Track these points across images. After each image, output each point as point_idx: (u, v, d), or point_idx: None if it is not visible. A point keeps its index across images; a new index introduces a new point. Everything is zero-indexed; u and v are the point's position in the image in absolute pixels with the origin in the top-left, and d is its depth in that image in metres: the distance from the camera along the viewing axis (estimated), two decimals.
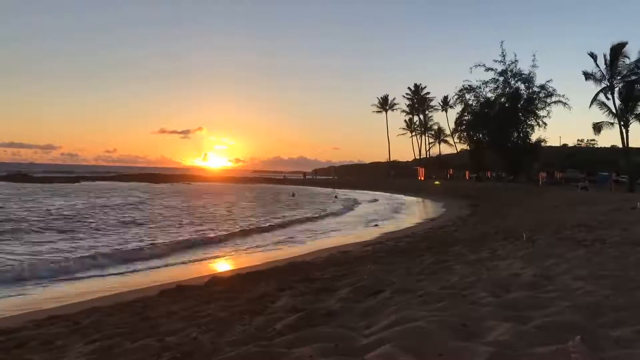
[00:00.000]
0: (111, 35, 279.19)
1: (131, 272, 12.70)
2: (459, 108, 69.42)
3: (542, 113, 59.13)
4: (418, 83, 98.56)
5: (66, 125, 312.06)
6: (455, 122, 72.74)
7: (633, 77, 39.96)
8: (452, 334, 3.98)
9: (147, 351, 4.61)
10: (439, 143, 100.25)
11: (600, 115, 42.51)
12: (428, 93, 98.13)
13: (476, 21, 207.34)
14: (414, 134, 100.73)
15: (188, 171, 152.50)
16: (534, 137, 60.92)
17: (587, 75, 41.80)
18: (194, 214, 29.71)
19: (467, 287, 6.21)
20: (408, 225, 24.00)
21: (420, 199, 49.30)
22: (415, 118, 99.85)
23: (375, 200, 48.12)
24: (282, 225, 24.57)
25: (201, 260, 14.86)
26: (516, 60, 58.97)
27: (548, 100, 58.20)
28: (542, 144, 61.51)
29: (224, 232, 20.87)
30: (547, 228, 14.59)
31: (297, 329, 4.78)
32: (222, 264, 14.52)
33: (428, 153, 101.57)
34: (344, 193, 59.10)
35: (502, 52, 58.70)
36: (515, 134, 60.97)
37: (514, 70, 59.32)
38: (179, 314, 6.87)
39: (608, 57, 40.55)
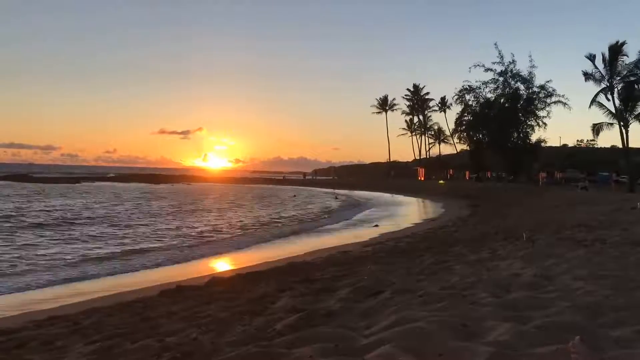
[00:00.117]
0: (111, 36, 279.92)
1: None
2: (458, 108, 69.43)
3: (542, 113, 59.16)
4: (417, 83, 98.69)
5: (66, 126, 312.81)
6: (455, 123, 72.71)
7: (632, 78, 39.92)
8: (452, 334, 3.98)
9: (147, 351, 4.61)
10: (439, 143, 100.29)
11: (600, 116, 42.52)
12: (428, 93, 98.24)
13: (476, 22, 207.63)
14: (413, 134, 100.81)
15: (188, 172, 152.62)
16: (533, 138, 61.02)
17: (587, 76, 41.78)
18: (195, 216, 29.69)
19: (467, 288, 6.21)
20: (408, 225, 23.99)
21: (420, 200, 49.27)
22: (415, 118, 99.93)
23: (375, 200, 48.10)
24: (282, 225, 24.60)
25: (201, 261, 14.88)
26: (514, 61, 59.09)
27: (548, 101, 58.27)
28: (542, 144, 61.55)
29: (224, 233, 20.88)
30: (547, 228, 14.59)
31: (297, 329, 4.78)
32: (222, 264, 14.52)
33: (428, 153, 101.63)
34: (344, 193, 59.07)
35: (499, 53, 58.88)
36: (515, 134, 61.01)
37: (513, 71, 59.46)
38: (179, 314, 6.87)
39: (607, 57, 40.52)
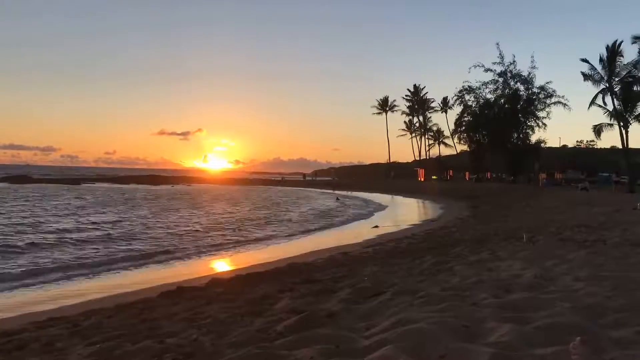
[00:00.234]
0: (111, 37, 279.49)
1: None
2: (458, 109, 69.67)
3: (541, 114, 59.40)
4: (418, 84, 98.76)
5: (66, 127, 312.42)
6: (455, 123, 72.91)
7: (630, 78, 39.91)
8: (453, 335, 3.98)
9: (147, 353, 4.61)
10: (439, 144, 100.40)
11: (600, 116, 42.56)
12: (427, 94, 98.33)
13: (476, 22, 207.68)
14: (413, 135, 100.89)
15: (188, 173, 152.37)
16: (533, 138, 61.17)
17: (586, 76, 41.78)
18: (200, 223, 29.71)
19: (468, 288, 6.21)
20: (408, 226, 23.98)
21: (420, 200, 49.27)
22: (415, 119, 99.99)
23: (375, 201, 48.10)
24: (280, 225, 24.61)
25: (201, 261, 14.88)
26: (514, 62, 59.22)
27: (548, 101, 58.43)
28: (542, 145, 61.72)
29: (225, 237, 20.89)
30: (548, 229, 14.59)
31: (298, 330, 4.78)
32: (222, 265, 14.52)
33: (428, 154, 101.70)
34: (344, 194, 59.07)
35: (500, 54, 59.02)
36: (515, 135, 61.12)
37: (513, 72, 59.57)
38: (179, 315, 6.86)
39: (605, 58, 40.53)
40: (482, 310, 4.84)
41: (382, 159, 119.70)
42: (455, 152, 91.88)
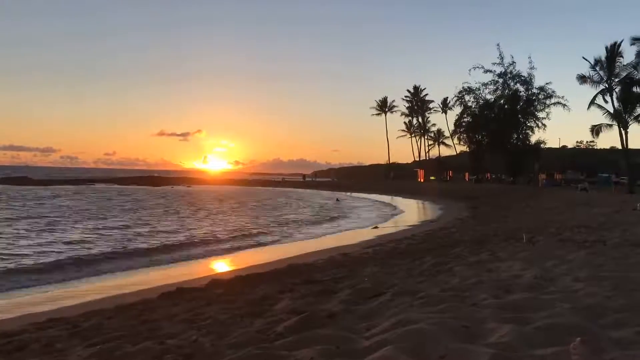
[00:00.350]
0: (110, 38, 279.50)
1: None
2: (458, 110, 69.75)
3: (541, 115, 59.46)
4: (418, 85, 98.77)
5: (65, 128, 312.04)
6: (455, 124, 72.91)
7: (628, 80, 39.88)
8: (453, 336, 3.98)
9: (147, 354, 4.61)
10: (438, 145, 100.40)
11: (599, 117, 42.55)
12: (427, 95, 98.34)
13: (476, 23, 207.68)
14: (413, 135, 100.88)
15: (188, 174, 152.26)
16: (533, 139, 61.22)
17: (583, 79, 41.70)
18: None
19: (468, 289, 6.22)
20: (408, 226, 23.99)
21: (419, 201, 49.26)
22: (415, 120, 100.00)
23: (375, 202, 48.11)
24: (281, 227, 24.63)
25: (201, 262, 14.88)
26: (514, 62, 59.30)
27: (547, 102, 58.49)
28: (542, 145, 61.77)
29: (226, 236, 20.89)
30: (547, 229, 14.60)
31: (298, 331, 4.78)
32: (222, 266, 14.51)
33: (427, 155, 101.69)
34: (344, 196, 59.06)
35: (500, 54, 59.11)
36: (515, 136, 61.18)
37: (513, 72, 59.64)
38: (179, 316, 6.86)
39: (603, 59, 40.52)
40: (482, 311, 4.85)
41: (382, 159, 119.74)
42: (455, 153, 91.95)
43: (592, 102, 41.66)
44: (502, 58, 59.12)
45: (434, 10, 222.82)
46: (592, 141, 72.24)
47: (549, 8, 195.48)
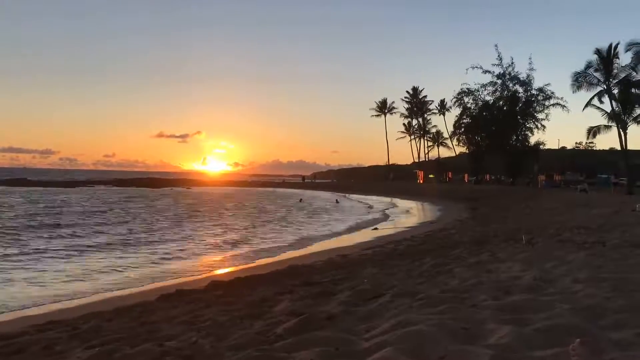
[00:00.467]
0: (110, 40, 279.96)
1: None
2: (457, 111, 69.79)
3: (540, 116, 59.53)
4: (417, 86, 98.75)
5: (65, 130, 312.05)
6: (454, 125, 72.92)
7: (626, 81, 39.88)
8: (453, 337, 3.98)
9: (147, 356, 4.60)
10: (438, 146, 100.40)
11: (599, 118, 42.62)
12: (426, 96, 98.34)
13: (476, 24, 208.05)
14: (412, 137, 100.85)
15: (187, 175, 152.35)
16: (532, 140, 61.30)
17: (579, 84, 41.60)
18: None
19: (467, 290, 6.22)
20: (407, 228, 23.99)
21: (419, 202, 49.27)
22: (414, 121, 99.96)
23: (374, 203, 48.11)
24: (279, 227, 24.62)
25: (200, 264, 14.87)
26: (513, 63, 59.41)
27: (546, 103, 58.57)
28: (541, 146, 61.83)
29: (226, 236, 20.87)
30: (547, 230, 14.60)
31: (297, 333, 4.78)
32: (222, 268, 14.49)
33: (427, 156, 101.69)
34: (343, 197, 59.04)
35: (499, 55, 59.21)
36: (514, 137, 61.25)
37: (512, 73, 59.73)
38: (178, 318, 6.85)
39: (599, 61, 40.50)
40: (482, 312, 4.85)
41: (382, 161, 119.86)
42: (454, 154, 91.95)
43: (588, 103, 41.67)
44: (500, 59, 59.29)
45: (434, 11, 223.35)
46: (592, 142, 72.26)
47: (549, 9, 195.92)
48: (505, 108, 61.34)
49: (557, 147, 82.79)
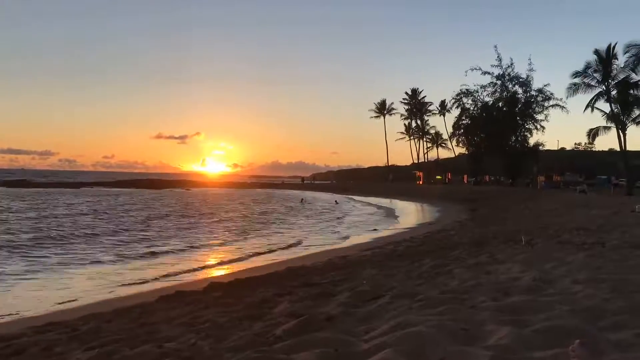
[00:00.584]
0: (110, 42, 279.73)
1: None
2: (456, 112, 69.83)
3: (540, 117, 59.57)
4: (416, 87, 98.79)
5: (64, 132, 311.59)
6: (453, 126, 72.92)
7: (625, 82, 39.90)
8: (452, 338, 3.98)
9: (146, 357, 4.60)
10: (437, 147, 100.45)
11: (598, 119, 42.64)
12: (425, 97, 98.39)
13: (475, 26, 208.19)
14: (412, 138, 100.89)
15: (186, 177, 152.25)
16: (531, 141, 61.33)
17: (575, 87, 41.65)
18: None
19: (467, 291, 6.22)
20: (407, 229, 23.98)
21: (418, 204, 49.29)
22: (414, 122, 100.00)
23: (373, 205, 48.12)
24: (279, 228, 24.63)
25: (199, 266, 14.87)
26: (512, 64, 59.46)
27: (546, 104, 58.60)
28: (540, 147, 61.88)
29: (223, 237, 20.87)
30: (546, 232, 14.61)
31: (297, 334, 4.78)
32: (221, 269, 14.48)
33: (426, 157, 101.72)
34: (342, 198, 59.05)
35: (498, 56, 59.26)
36: (513, 138, 61.28)
37: (511, 74, 59.78)
38: (177, 319, 6.85)
39: (598, 62, 40.54)
40: (481, 313, 4.85)
41: (381, 162, 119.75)
42: (453, 155, 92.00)
43: (588, 105, 41.67)
44: (500, 60, 59.35)
45: (434, 11, 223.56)
46: (591, 143, 72.37)
47: (549, 10, 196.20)
48: (504, 109, 61.38)
49: (556, 148, 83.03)
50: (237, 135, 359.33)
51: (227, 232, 23.20)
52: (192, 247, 18.25)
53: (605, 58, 40.38)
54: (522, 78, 59.57)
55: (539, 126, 59.76)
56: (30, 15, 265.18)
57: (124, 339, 5.76)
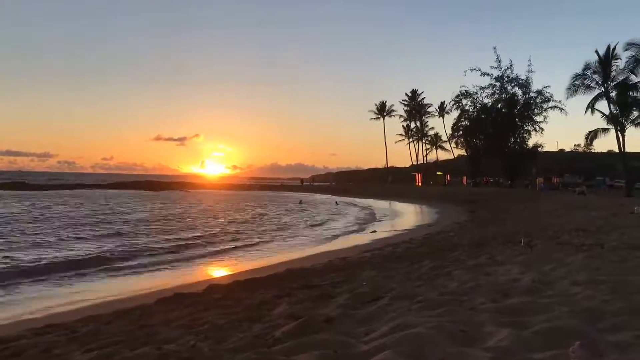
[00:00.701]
0: (109, 43, 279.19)
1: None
2: (455, 114, 69.86)
3: (539, 118, 59.65)
4: (415, 89, 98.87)
5: (63, 133, 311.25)
6: (452, 128, 72.97)
7: (624, 83, 39.95)
8: (451, 340, 3.98)
9: (145, 359, 4.60)
10: (436, 149, 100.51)
11: (597, 121, 42.64)
12: (424, 99, 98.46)
13: (475, 27, 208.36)
14: (411, 140, 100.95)
15: (185, 178, 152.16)
16: (530, 143, 61.39)
17: (575, 87, 41.70)
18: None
19: (466, 293, 6.22)
20: (406, 230, 23.98)
21: (417, 205, 49.30)
22: (413, 124, 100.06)
23: (372, 207, 48.11)
24: (278, 229, 24.62)
25: (199, 267, 14.88)
26: (511, 65, 59.53)
27: (545, 106, 58.67)
28: (539, 149, 61.93)
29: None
30: (545, 233, 14.61)
31: (296, 336, 4.77)
32: (220, 271, 14.48)
33: (425, 159, 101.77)
34: (342, 200, 59.05)
35: (497, 58, 59.34)
36: (512, 140, 61.34)
37: (510, 76, 59.86)
38: (177, 321, 6.84)
39: (597, 64, 40.61)
40: (480, 315, 4.85)
41: (380, 164, 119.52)
42: (452, 157, 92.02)
43: (589, 107, 41.71)
44: (499, 61, 59.42)
45: (434, 12, 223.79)
46: (590, 146, 72.43)
47: (549, 11, 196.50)
48: (503, 110, 61.44)
49: (555, 150, 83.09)
50: (236, 137, 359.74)
51: (227, 233, 23.18)
52: (189, 248, 18.23)
53: (605, 59, 40.44)
54: (521, 79, 59.72)
55: (537, 128, 59.90)
56: (30, 15, 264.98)
57: (123, 340, 5.75)
